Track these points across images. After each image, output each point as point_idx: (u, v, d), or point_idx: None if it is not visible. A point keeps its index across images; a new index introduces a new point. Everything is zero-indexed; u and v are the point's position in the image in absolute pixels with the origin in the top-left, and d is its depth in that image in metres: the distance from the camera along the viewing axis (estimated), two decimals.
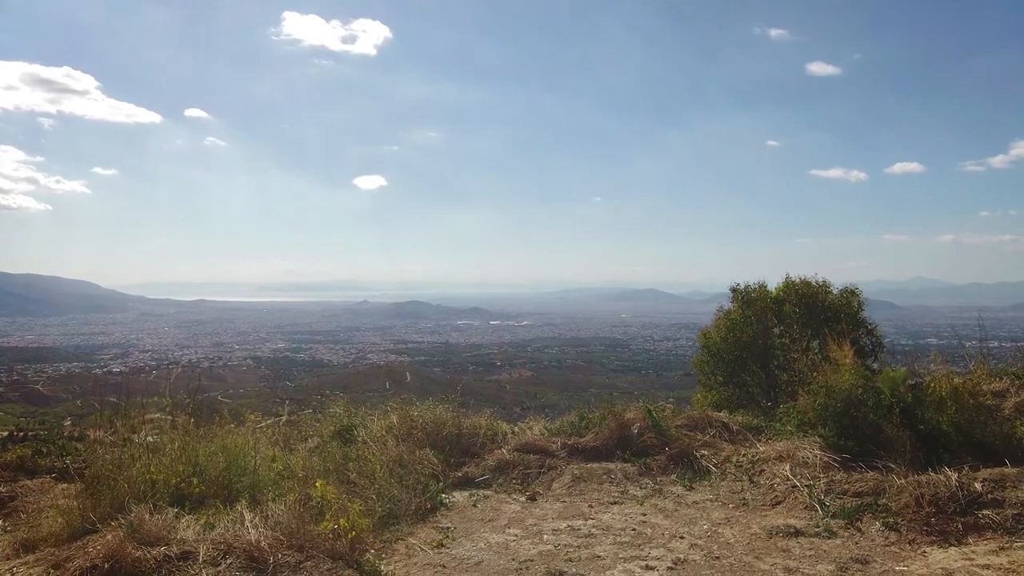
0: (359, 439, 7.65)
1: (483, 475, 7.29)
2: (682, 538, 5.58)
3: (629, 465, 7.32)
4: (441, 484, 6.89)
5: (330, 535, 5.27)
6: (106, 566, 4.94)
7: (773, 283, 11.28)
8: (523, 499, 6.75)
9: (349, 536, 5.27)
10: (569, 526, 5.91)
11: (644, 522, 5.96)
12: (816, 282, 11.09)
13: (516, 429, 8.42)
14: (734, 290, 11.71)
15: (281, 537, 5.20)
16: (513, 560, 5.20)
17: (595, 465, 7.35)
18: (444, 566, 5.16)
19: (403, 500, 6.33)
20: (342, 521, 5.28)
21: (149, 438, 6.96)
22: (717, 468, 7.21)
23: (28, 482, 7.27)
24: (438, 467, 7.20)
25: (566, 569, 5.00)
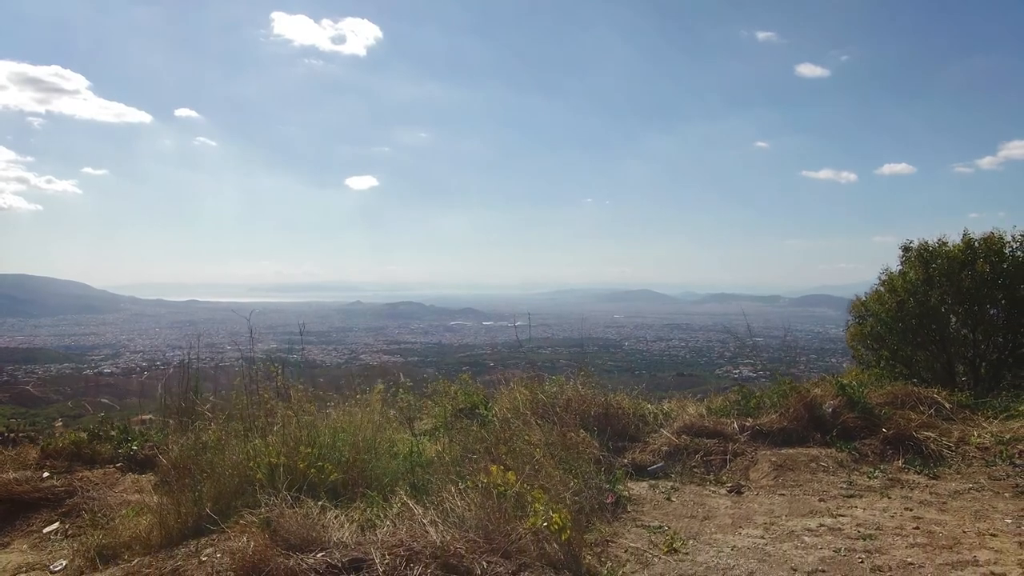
0: (490, 419, 6.25)
1: (656, 462, 5.89)
2: (994, 536, 4.22)
3: (835, 451, 5.95)
4: (619, 472, 5.48)
5: (533, 535, 3.88)
6: None
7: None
8: (724, 492, 5.35)
9: (563, 537, 3.87)
10: (821, 525, 4.52)
11: (920, 518, 4.58)
12: (1015, 236, 9.20)
13: (666, 409, 7.03)
14: (907, 248, 9.90)
15: (476, 539, 3.80)
16: (795, 571, 3.81)
17: (793, 451, 5.96)
18: None
19: (583, 491, 4.94)
20: (555, 517, 3.88)
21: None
22: (952, 452, 5.84)
23: (88, 473, 5.80)
24: (599, 452, 5.81)
25: None
